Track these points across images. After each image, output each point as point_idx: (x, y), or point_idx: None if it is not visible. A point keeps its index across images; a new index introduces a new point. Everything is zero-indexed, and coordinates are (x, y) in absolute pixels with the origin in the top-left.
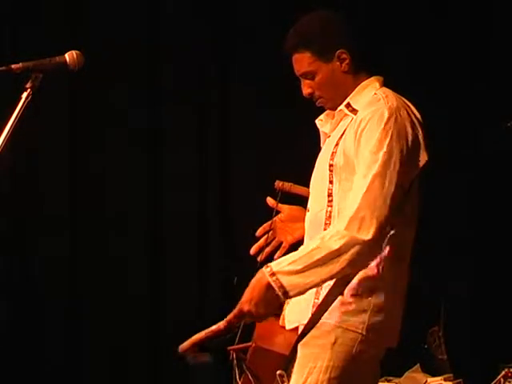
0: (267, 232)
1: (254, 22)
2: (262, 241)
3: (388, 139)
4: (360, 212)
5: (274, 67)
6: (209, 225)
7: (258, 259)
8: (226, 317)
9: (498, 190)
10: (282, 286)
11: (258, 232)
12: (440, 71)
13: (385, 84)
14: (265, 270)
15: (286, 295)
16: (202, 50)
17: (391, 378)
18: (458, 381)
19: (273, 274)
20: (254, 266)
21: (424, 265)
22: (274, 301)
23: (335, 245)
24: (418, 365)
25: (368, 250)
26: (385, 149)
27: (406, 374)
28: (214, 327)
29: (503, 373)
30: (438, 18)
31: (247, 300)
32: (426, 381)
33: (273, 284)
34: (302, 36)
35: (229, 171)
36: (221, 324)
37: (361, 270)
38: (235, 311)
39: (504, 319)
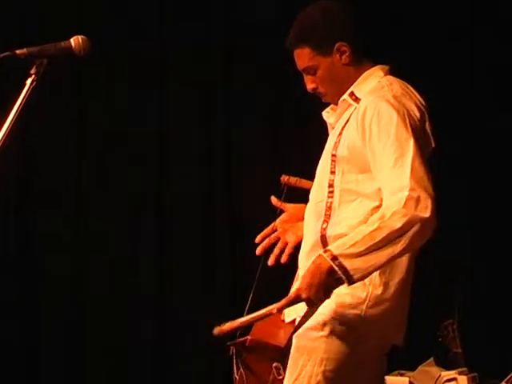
0: (268, 236)
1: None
2: (265, 243)
3: (408, 122)
4: (414, 192)
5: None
6: (216, 223)
7: (269, 263)
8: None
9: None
10: (345, 270)
11: (258, 238)
12: (441, 67)
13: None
14: (324, 255)
15: (351, 279)
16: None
17: (404, 371)
18: (473, 375)
19: (335, 258)
20: None
21: (437, 255)
22: (335, 286)
23: (397, 223)
24: (432, 358)
25: (427, 228)
26: (410, 130)
27: (420, 367)
28: (262, 311)
29: None
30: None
31: (306, 287)
32: (440, 374)
33: (336, 268)
34: (301, 31)
35: (237, 166)
36: (273, 309)
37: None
38: (290, 297)
39: None
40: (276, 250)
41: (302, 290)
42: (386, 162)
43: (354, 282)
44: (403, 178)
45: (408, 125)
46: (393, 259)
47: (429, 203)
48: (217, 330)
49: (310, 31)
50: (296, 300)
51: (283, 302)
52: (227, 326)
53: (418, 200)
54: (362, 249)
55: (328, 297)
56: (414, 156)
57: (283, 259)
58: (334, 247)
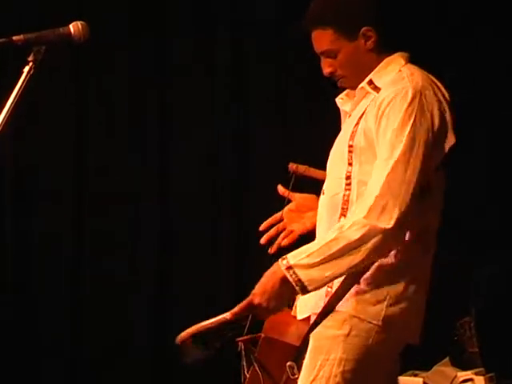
0: (273, 225)
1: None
2: (272, 231)
3: (411, 121)
4: (382, 199)
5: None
6: (218, 222)
7: (269, 251)
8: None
9: None
10: (299, 281)
11: (262, 226)
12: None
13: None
14: (281, 263)
15: (305, 290)
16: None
17: (418, 371)
18: (490, 375)
19: (289, 268)
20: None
21: (453, 250)
22: (289, 295)
23: (355, 235)
24: (448, 358)
25: (389, 239)
26: (408, 131)
27: (435, 367)
28: (217, 318)
29: None
30: None
31: (260, 293)
32: (456, 375)
33: (290, 278)
34: (324, 11)
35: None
36: (227, 315)
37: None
38: (244, 303)
39: None
40: (279, 239)
41: (256, 295)
42: (379, 158)
43: (308, 292)
44: (379, 180)
45: (412, 123)
46: (353, 268)
47: (394, 213)
48: (178, 339)
49: (335, 12)
50: (249, 306)
51: (236, 308)
52: (185, 333)
53: (383, 209)
54: (318, 260)
55: (283, 305)
56: (398, 159)
57: (284, 242)
58: (292, 256)
